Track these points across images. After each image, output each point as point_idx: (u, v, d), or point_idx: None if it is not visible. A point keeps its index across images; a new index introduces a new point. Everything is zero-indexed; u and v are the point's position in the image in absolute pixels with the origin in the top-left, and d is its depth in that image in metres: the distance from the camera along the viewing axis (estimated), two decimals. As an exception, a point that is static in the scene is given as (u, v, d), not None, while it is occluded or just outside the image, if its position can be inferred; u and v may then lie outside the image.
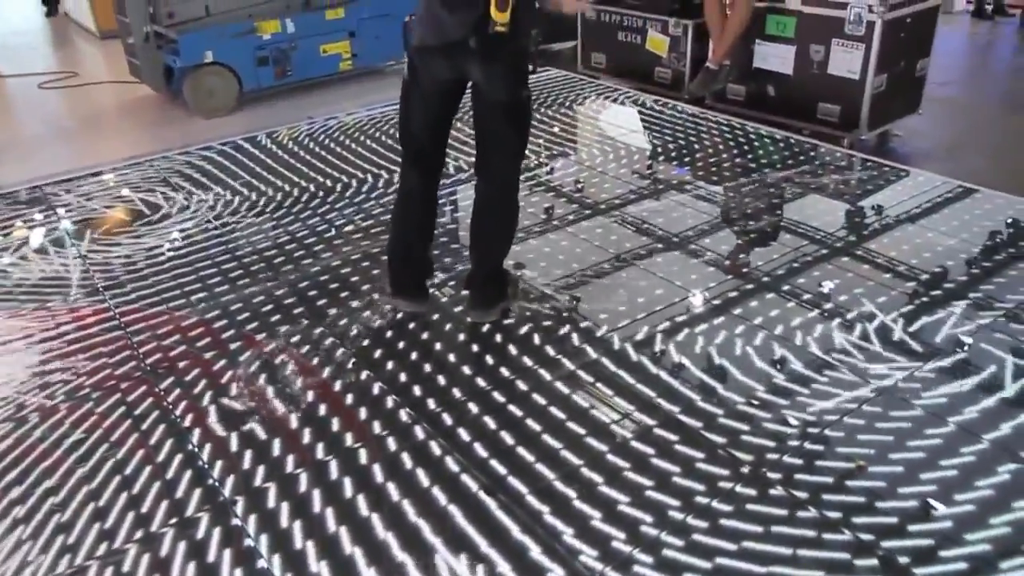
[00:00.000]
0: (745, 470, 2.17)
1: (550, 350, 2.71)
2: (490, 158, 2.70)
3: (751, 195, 3.89)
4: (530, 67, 2.58)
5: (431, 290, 2.99)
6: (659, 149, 4.50)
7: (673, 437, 2.30)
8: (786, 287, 3.05)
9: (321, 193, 4.01)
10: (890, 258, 3.25)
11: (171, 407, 2.49)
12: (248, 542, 2.00)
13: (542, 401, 2.47)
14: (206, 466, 2.25)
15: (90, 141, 5.09)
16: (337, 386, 2.57)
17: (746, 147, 4.47)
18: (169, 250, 3.49)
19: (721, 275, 3.16)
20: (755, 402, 2.43)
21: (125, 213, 3.89)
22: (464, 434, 2.34)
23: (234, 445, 2.32)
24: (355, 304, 3.02)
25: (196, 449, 2.31)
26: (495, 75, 2.53)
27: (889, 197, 3.83)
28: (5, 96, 6.26)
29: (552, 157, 4.37)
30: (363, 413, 2.44)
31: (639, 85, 5.56)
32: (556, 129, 4.78)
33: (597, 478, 2.16)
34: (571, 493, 2.11)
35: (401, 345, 2.77)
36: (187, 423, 2.42)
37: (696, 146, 4.51)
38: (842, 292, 2.99)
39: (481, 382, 2.57)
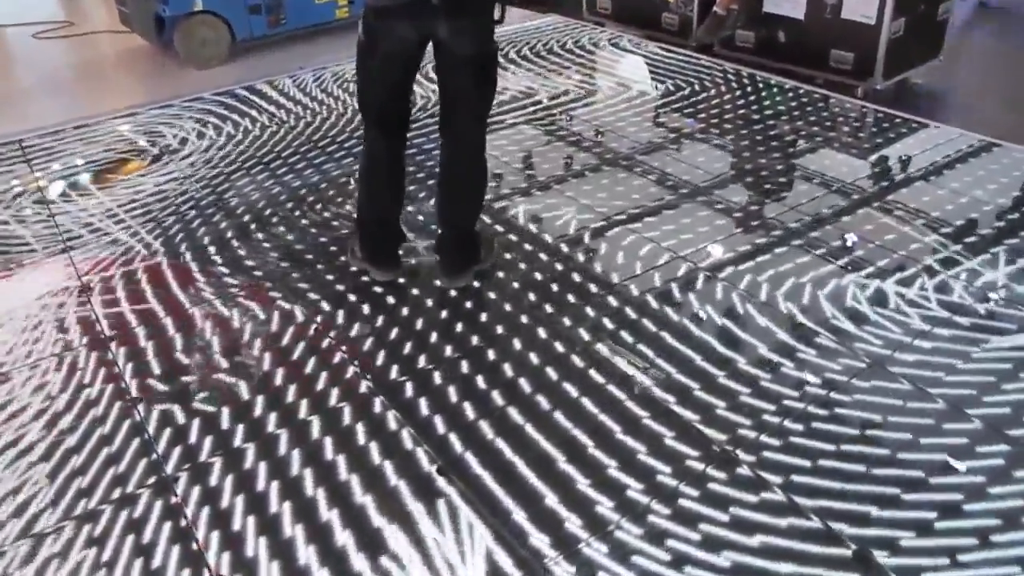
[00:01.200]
0: (716, 449, 2.04)
1: (524, 319, 2.58)
2: (455, 117, 2.54)
3: (758, 147, 3.69)
4: (496, 18, 2.40)
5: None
6: (664, 98, 4.29)
7: (644, 413, 2.17)
8: (783, 249, 2.88)
9: (302, 148, 3.88)
10: (900, 215, 3.06)
11: (120, 374, 2.40)
12: (185, 521, 1.91)
13: (510, 374, 2.35)
14: (151, 438, 2.16)
15: (80, 93, 4.95)
16: (297, 353, 2.46)
17: (753, 97, 4.24)
18: (140, 206, 3.38)
19: (722, 231, 2.99)
20: (737, 375, 2.30)
21: (103, 168, 3.77)
22: (424, 407, 2.22)
23: (181, 417, 2.23)
24: (320, 267, 2.90)
25: (142, 419, 2.22)
26: (462, 30, 2.37)
27: (901, 151, 3.62)
28: (-1, 46, 6.14)
29: (560, 105, 4.18)
30: (321, 383, 2.34)
31: (645, 32, 5.30)
32: (554, 77, 4.57)
33: (559, 456, 2.05)
34: (528, 473, 2.00)
35: (366, 310, 2.65)
36: (135, 392, 2.33)
37: (702, 95, 4.29)
38: (851, 251, 2.83)
39: (449, 351, 2.45)
